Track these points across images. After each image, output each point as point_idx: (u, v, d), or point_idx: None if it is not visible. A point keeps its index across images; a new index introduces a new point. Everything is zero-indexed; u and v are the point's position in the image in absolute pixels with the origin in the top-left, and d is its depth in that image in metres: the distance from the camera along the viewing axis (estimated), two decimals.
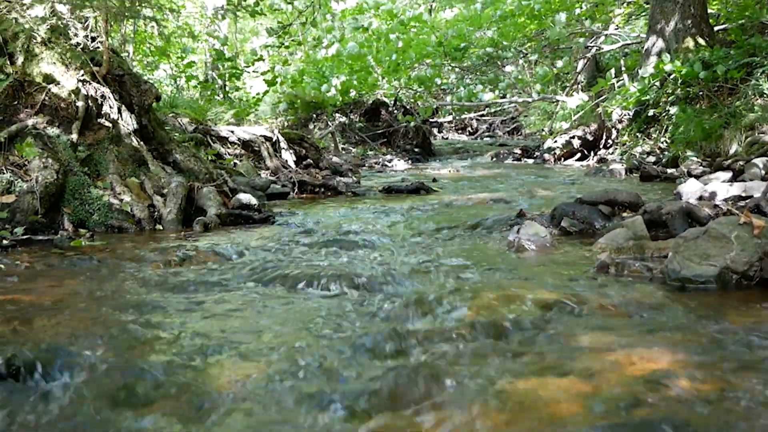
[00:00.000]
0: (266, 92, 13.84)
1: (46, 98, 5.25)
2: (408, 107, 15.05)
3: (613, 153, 11.17)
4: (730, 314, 2.62)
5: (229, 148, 8.61)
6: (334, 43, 14.37)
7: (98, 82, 5.46)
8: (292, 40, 14.23)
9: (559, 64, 16.96)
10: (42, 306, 2.85)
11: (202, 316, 2.70)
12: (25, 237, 4.26)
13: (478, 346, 2.28)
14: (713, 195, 5.30)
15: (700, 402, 1.81)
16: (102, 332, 2.48)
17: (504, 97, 17.79)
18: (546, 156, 12.41)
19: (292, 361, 2.16)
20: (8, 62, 5.26)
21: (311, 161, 9.52)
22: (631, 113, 11.36)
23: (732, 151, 7.54)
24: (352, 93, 14.06)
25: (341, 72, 13.80)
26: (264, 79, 13.69)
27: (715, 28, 11.65)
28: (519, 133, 20.90)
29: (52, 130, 5.11)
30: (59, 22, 5.10)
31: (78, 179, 4.93)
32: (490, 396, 1.88)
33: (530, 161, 12.87)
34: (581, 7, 14.57)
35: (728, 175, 6.44)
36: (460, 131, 22.71)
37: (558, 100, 14.64)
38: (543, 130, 15.84)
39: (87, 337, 2.40)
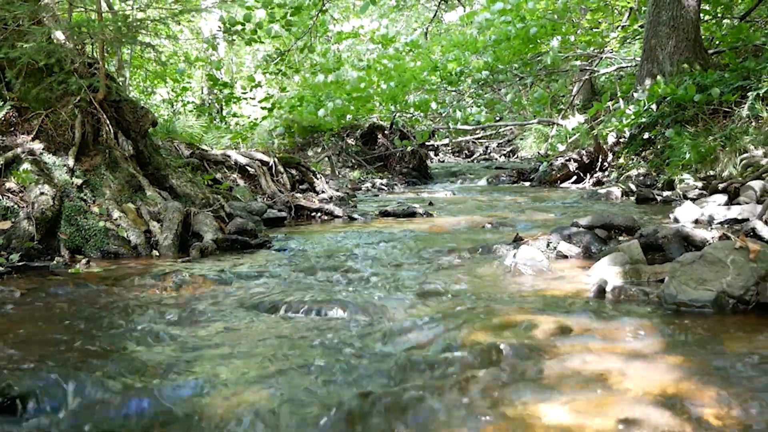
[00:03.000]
0: (265, 117, 13.89)
1: (43, 124, 5.26)
2: (404, 131, 15.09)
3: (609, 175, 11.20)
4: (727, 339, 2.62)
5: (225, 172, 8.62)
6: (332, 72, 14.42)
7: (95, 108, 5.48)
8: (289, 67, 14.30)
9: (555, 86, 17.05)
10: (38, 334, 2.84)
11: (199, 343, 2.69)
12: (21, 263, 4.25)
13: (473, 371, 2.27)
14: (709, 218, 5.31)
15: (698, 428, 1.80)
16: (99, 361, 2.47)
17: (501, 119, 17.87)
18: (542, 179, 12.44)
19: (290, 388, 2.15)
20: (5, 88, 5.28)
21: (308, 185, 9.53)
22: (626, 136, 11.41)
23: (727, 174, 7.56)
24: (348, 117, 14.11)
25: (339, 96, 13.85)
26: (262, 107, 13.75)
27: (709, 52, 11.73)
28: (515, 156, 20.97)
29: (49, 156, 5.12)
30: (56, 49, 5.11)
31: (74, 205, 4.93)
32: (485, 422, 1.87)
33: (526, 184, 12.89)
34: (575, 34, 14.67)
35: (724, 197, 6.45)
36: (456, 154, 22.79)
37: (555, 123, 14.70)
38: (539, 152, 15.90)
39: (84, 367, 2.38)
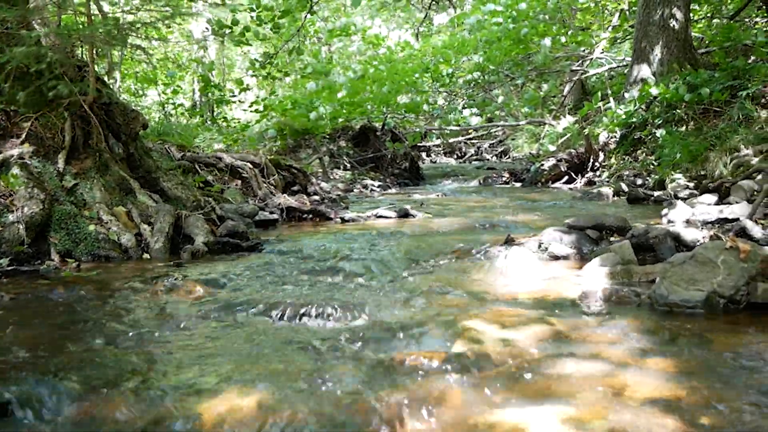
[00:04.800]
0: (258, 121, 13.89)
1: (33, 128, 5.24)
2: (396, 132, 15.07)
3: (600, 176, 11.22)
4: (718, 339, 2.62)
5: (216, 174, 8.60)
6: (323, 75, 14.41)
7: (85, 111, 5.46)
8: (279, 70, 14.28)
9: (546, 87, 17.08)
10: (28, 339, 2.83)
11: (190, 347, 2.69)
12: (10, 268, 4.23)
13: (464, 375, 2.27)
14: (700, 218, 5.33)
15: (691, 429, 1.81)
16: (90, 365, 2.46)
17: (492, 120, 17.88)
18: (534, 179, 12.45)
19: (281, 392, 2.14)
20: None
21: (300, 187, 9.51)
22: (617, 136, 11.44)
23: (717, 174, 7.58)
24: (340, 120, 14.11)
25: (331, 101, 13.84)
26: (255, 110, 13.74)
27: (699, 51, 11.77)
28: (507, 156, 20.98)
29: (38, 160, 5.10)
30: (46, 53, 5.09)
31: (64, 209, 4.91)
32: (476, 428, 1.87)
33: (518, 184, 12.90)
34: (566, 35, 14.70)
35: (714, 197, 6.47)
36: (448, 155, 22.75)
37: (546, 123, 14.73)
38: (530, 153, 15.92)
39: (75, 371, 2.37)
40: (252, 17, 12.34)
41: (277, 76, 14.40)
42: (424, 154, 20.50)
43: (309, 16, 13.53)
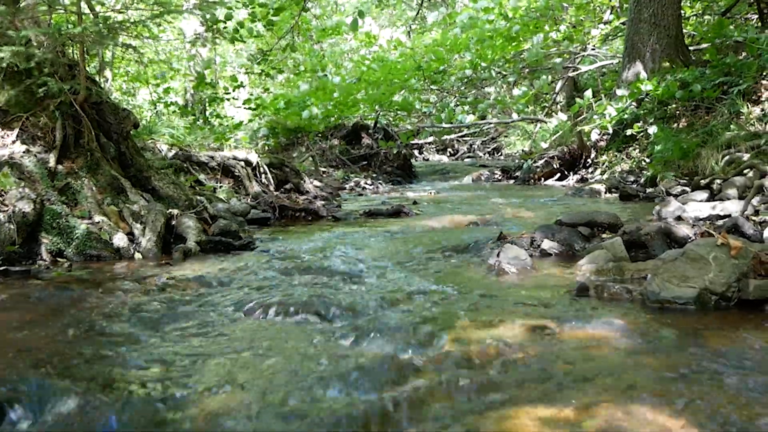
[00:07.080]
0: (251, 120, 13.86)
1: (24, 127, 5.22)
2: (389, 130, 15.08)
3: (592, 173, 11.24)
4: (710, 336, 2.63)
5: (208, 173, 8.57)
6: (317, 72, 14.41)
7: (76, 111, 5.44)
8: (272, 68, 14.26)
9: (538, 84, 17.10)
10: (19, 340, 2.82)
11: (181, 347, 2.68)
12: (1, 268, 4.21)
13: (457, 375, 2.27)
14: (691, 215, 5.34)
15: (682, 427, 1.81)
16: (82, 366, 2.45)
17: (485, 118, 17.89)
18: (526, 177, 12.46)
19: (270, 392, 2.14)
20: None
21: (292, 185, 9.50)
22: (610, 133, 11.46)
23: (709, 170, 7.60)
24: (333, 118, 14.11)
25: (325, 99, 13.82)
26: (247, 108, 13.71)
27: (691, 48, 11.80)
28: (499, 154, 21.02)
29: (29, 160, 5.08)
30: (36, 52, 5.07)
31: (56, 208, 4.88)
32: (467, 428, 1.87)
33: (511, 182, 12.92)
34: (558, 30, 14.72)
35: (706, 194, 6.49)
36: (440, 152, 22.79)
37: (538, 120, 14.74)
38: (523, 150, 15.93)
39: (65, 372, 2.37)
40: (248, 14, 12.32)
41: (270, 73, 14.38)
42: (416, 152, 20.53)
43: (302, 13, 13.49)
